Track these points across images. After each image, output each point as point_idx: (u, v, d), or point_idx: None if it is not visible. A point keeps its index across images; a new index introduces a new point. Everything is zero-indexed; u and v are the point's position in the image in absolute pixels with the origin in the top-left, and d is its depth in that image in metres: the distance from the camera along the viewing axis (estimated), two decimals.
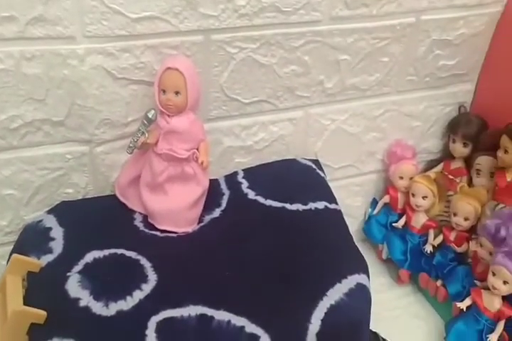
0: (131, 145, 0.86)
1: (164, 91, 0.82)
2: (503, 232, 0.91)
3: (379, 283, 1.16)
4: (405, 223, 1.15)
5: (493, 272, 0.91)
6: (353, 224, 1.26)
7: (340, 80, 1.05)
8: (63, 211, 0.89)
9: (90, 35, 0.80)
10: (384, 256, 1.20)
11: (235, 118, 0.99)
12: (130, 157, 0.91)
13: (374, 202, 1.24)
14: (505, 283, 0.89)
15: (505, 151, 1.01)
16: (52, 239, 0.83)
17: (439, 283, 1.06)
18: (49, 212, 0.89)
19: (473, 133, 1.13)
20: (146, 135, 0.85)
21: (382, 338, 0.93)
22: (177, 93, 0.82)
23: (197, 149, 0.86)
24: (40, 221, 0.87)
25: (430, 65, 1.13)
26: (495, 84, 1.18)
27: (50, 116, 0.86)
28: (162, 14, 0.83)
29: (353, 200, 1.23)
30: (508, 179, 1.03)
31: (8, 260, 0.78)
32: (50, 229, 0.85)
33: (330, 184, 1.14)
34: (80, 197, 0.95)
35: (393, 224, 1.16)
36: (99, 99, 0.86)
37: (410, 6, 1.03)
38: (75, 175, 0.93)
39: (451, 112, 1.22)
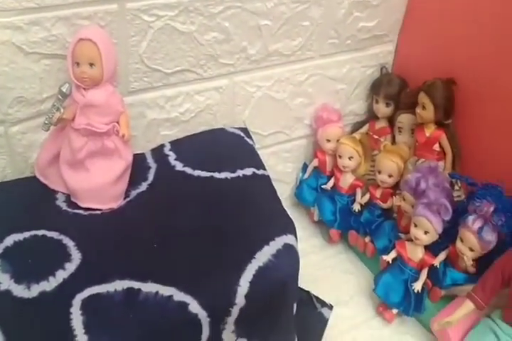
0: (46, 122, 0.81)
1: (78, 63, 0.79)
2: (422, 185, 0.97)
3: (312, 244, 1.21)
4: (334, 184, 1.19)
5: (414, 223, 0.96)
6: (286, 190, 1.29)
7: (263, 46, 1.05)
8: None
9: None
10: (316, 218, 1.24)
11: (158, 90, 0.97)
12: (48, 135, 0.87)
13: (305, 167, 1.27)
14: (426, 233, 0.96)
15: (423, 108, 1.06)
16: None
17: (367, 239, 1.12)
18: None
19: (394, 92, 1.17)
20: (62, 110, 0.81)
21: (314, 296, 0.97)
22: (91, 65, 0.79)
23: (117, 122, 0.83)
24: None
25: (350, 28, 1.14)
26: (413, 44, 1.21)
27: None
28: None
29: (284, 166, 1.25)
30: (427, 134, 1.08)
31: None
32: None
33: (260, 151, 1.15)
34: None
35: (322, 187, 1.19)
36: (10, 76, 0.81)
37: None
38: None
39: (373, 74, 1.25)
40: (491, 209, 0.90)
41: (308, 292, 0.97)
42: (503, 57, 0.98)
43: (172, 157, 0.93)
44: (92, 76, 0.79)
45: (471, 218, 0.91)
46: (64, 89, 0.80)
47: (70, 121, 0.82)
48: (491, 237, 0.90)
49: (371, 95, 1.24)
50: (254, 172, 0.91)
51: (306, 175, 1.25)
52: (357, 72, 1.22)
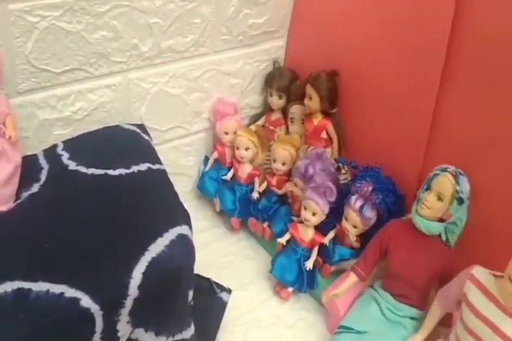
0: None
1: None
2: (310, 170, 1.05)
3: (215, 233, 1.26)
4: (234, 175, 1.24)
5: (304, 206, 1.04)
6: (189, 183, 1.33)
7: (155, 43, 1.07)
8: None
9: None
10: (218, 209, 1.29)
11: (48, 90, 0.97)
12: None
13: (206, 160, 1.31)
14: (314, 214, 1.04)
15: (310, 98, 1.13)
16: None
17: (265, 224, 1.19)
18: None
19: (286, 85, 1.23)
20: None
21: (214, 282, 1.02)
22: None
23: (3, 124, 0.83)
24: None
25: (241, 24, 1.20)
26: (302, 38, 1.29)
27: None
28: None
29: (186, 160, 1.29)
30: (315, 123, 1.17)
31: None
32: None
33: (160, 146, 1.19)
34: None
35: (222, 178, 1.24)
36: None
37: None
38: None
39: (267, 68, 1.31)
40: (370, 188, 0.99)
41: (208, 279, 1.02)
42: (380, 49, 1.06)
43: (65, 156, 0.93)
44: None
45: (353, 198, 1.00)
46: None
47: None
48: (370, 214, 0.99)
49: (265, 88, 1.30)
50: (149, 168, 0.93)
51: (208, 168, 1.29)
52: (250, 67, 1.28)
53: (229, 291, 1.00)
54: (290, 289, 1.08)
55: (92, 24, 0.96)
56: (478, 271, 0.81)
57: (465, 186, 0.87)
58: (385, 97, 1.07)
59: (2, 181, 0.83)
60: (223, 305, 0.98)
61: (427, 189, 0.89)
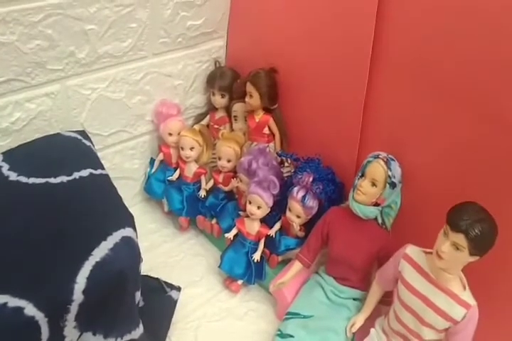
0: None
1: None
2: (253, 165, 1.08)
3: (164, 234, 1.28)
4: (180, 175, 1.26)
5: (249, 201, 1.08)
6: (136, 186, 1.34)
7: (92, 50, 1.08)
8: None
9: None
10: (166, 209, 1.31)
11: None
12: None
13: (152, 162, 1.32)
14: (259, 208, 1.07)
15: (250, 96, 1.17)
16: None
17: (214, 221, 1.22)
18: None
19: (227, 84, 1.27)
20: None
21: (164, 281, 1.05)
22: None
23: None
24: None
25: (179, 27, 1.22)
26: (240, 38, 1.32)
27: None
28: None
29: (131, 163, 1.30)
30: (257, 120, 1.21)
31: None
32: None
33: (104, 151, 1.20)
34: None
35: (168, 178, 1.27)
36: None
37: None
38: None
39: (208, 68, 1.33)
40: (311, 179, 1.03)
41: (157, 279, 1.04)
42: (312, 46, 1.10)
43: (5, 168, 0.92)
44: None
45: (295, 189, 1.04)
46: None
47: None
48: (312, 204, 1.03)
49: (208, 88, 1.33)
50: (91, 173, 0.94)
51: (154, 170, 1.31)
52: (192, 68, 1.30)
53: (178, 289, 1.03)
54: (240, 282, 1.12)
55: (26, 34, 0.96)
56: (411, 250, 0.86)
57: (397, 171, 0.92)
58: (320, 92, 1.12)
59: None
60: (173, 303, 1.00)
61: (362, 176, 0.93)
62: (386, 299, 0.96)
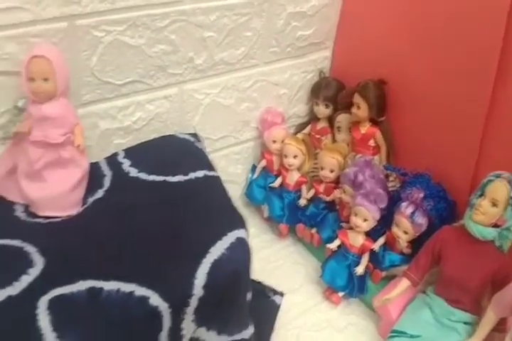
0: (3, 136, 0.86)
1: (33, 79, 0.83)
2: (360, 177, 1.07)
3: (263, 239, 1.29)
4: (281, 182, 1.27)
5: (354, 212, 1.06)
6: (237, 190, 1.36)
7: (209, 56, 1.12)
8: None
9: None
10: (265, 215, 1.32)
11: (110, 101, 1.02)
12: (4, 149, 0.90)
13: (253, 168, 1.34)
14: (365, 220, 1.05)
15: (358, 107, 1.16)
16: None
17: (313, 231, 1.21)
18: None
19: (332, 94, 1.26)
20: (18, 124, 0.85)
21: (266, 286, 1.05)
22: (46, 80, 0.83)
23: (71, 133, 0.88)
24: None
25: (290, 36, 1.23)
26: (348, 49, 1.31)
27: None
28: (23, 4, 0.83)
29: (234, 168, 1.32)
30: (362, 131, 1.19)
31: None
32: None
33: (212, 155, 1.22)
34: None
35: (270, 185, 1.27)
36: None
37: None
38: None
39: (313, 78, 1.34)
40: (421, 195, 1.01)
41: (260, 283, 1.05)
42: (428, 57, 1.07)
43: (126, 164, 0.98)
44: (47, 90, 0.84)
45: (403, 205, 1.02)
46: (20, 104, 0.85)
47: (26, 135, 0.86)
48: (422, 221, 1.00)
49: (311, 98, 1.33)
50: (205, 174, 0.97)
51: (255, 175, 1.32)
52: (297, 78, 1.31)
53: (281, 295, 1.03)
54: (340, 294, 1.10)
55: (153, 38, 1.01)
56: None
57: None
58: (434, 104, 1.08)
59: (71, 187, 0.88)
60: (276, 308, 1.01)
61: (481, 195, 0.90)
62: (500, 327, 0.91)
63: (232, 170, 1.32)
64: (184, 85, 1.12)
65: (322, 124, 1.31)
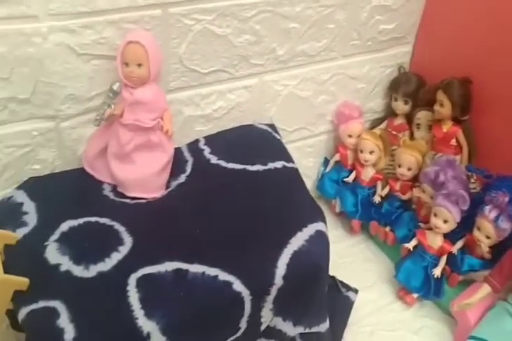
0: (97, 117, 0.88)
1: (127, 64, 0.85)
2: (441, 177, 1.03)
3: (334, 234, 1.25)
4: (355, 178, 1.25)
5: (434, 213, 1.03)
6: (308, 183, 1.32)
7: (291, 47, 1.11)
8: (32, 186, 0.92)
9: (53, 13, 0.82)
10: (337, 210, 1.30)
11: (195, 88, 1.04)
12: (96, 130, 0.94)
13: (325, 161, 1.33)
14: (445, 222, 1.02)
15: (441, 105, 1.12)
16: (26, 213, 0.86)
17: (387, 229, 1.19)
18: (18, 188, 0.91)
19: (412, 90, 1.23)
20: (112, 107, 0.88)
21: (339, 281, 1.04)
22: (139, 65, 0.85)
23: (161, 118, 0.90)
24: (11, 197, 0.89)
25: (372, 30, 1.21)
26: (430, 44, 1.27)
27: (15, 94, 0.87)
28: None
29: (307, 161, 1.32)
30: (444, 130, 1.15)
31: None
32: (21, 204, 0.88)
33: (286, 146, 1.22)
34: (48, 172, 0.97)
35: (344, 180, 1.26)
36: (63, 75, 0.88)
37: None
38: (42, 151, 0.95)
39: (392, 73, 1.31)
40: (506, 199, 0.96)
41: (333, 277, 1.04)
42: None
43: (207, 151, 0.99)
44: (140, 75, 0.86)
45: (487, 208, 0.98)
46: (115, 88, 0.87)
47: (118, 117, 0.89)
48: (506, 226, 0.96)
49: (389, 93, 1.30)
50: (284, 165, 0.97)
51: (328, 169, 1.31)
52: (376, 72, 1.29)
53: (355, 291, 1.02)
54: (415, 295, 1.07)
55: (239, 28, 1.01)
56: None
57: None
58: None
59: (158, 170, 0.91)
60: (350, 304, 1.00)
61: None
62: None
63: (305, 162, 1.31)
64: (264, 76, 1.12)
65: (400, 120, 1.28)
